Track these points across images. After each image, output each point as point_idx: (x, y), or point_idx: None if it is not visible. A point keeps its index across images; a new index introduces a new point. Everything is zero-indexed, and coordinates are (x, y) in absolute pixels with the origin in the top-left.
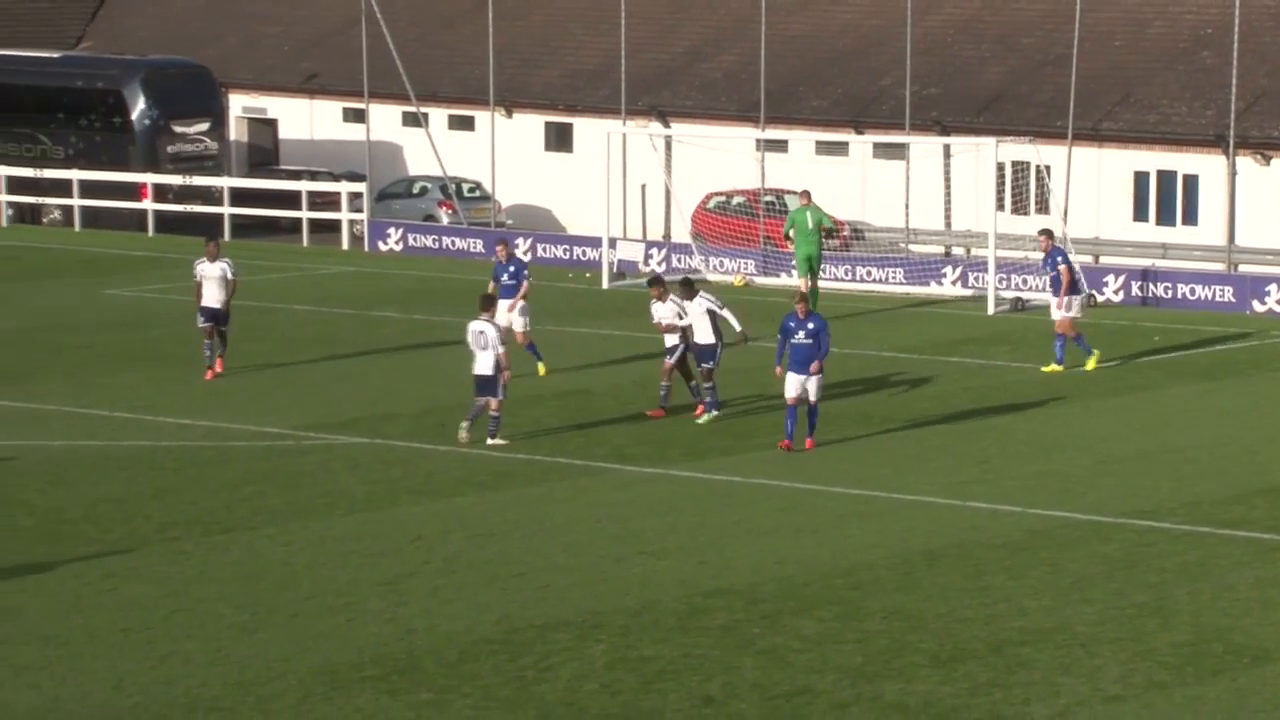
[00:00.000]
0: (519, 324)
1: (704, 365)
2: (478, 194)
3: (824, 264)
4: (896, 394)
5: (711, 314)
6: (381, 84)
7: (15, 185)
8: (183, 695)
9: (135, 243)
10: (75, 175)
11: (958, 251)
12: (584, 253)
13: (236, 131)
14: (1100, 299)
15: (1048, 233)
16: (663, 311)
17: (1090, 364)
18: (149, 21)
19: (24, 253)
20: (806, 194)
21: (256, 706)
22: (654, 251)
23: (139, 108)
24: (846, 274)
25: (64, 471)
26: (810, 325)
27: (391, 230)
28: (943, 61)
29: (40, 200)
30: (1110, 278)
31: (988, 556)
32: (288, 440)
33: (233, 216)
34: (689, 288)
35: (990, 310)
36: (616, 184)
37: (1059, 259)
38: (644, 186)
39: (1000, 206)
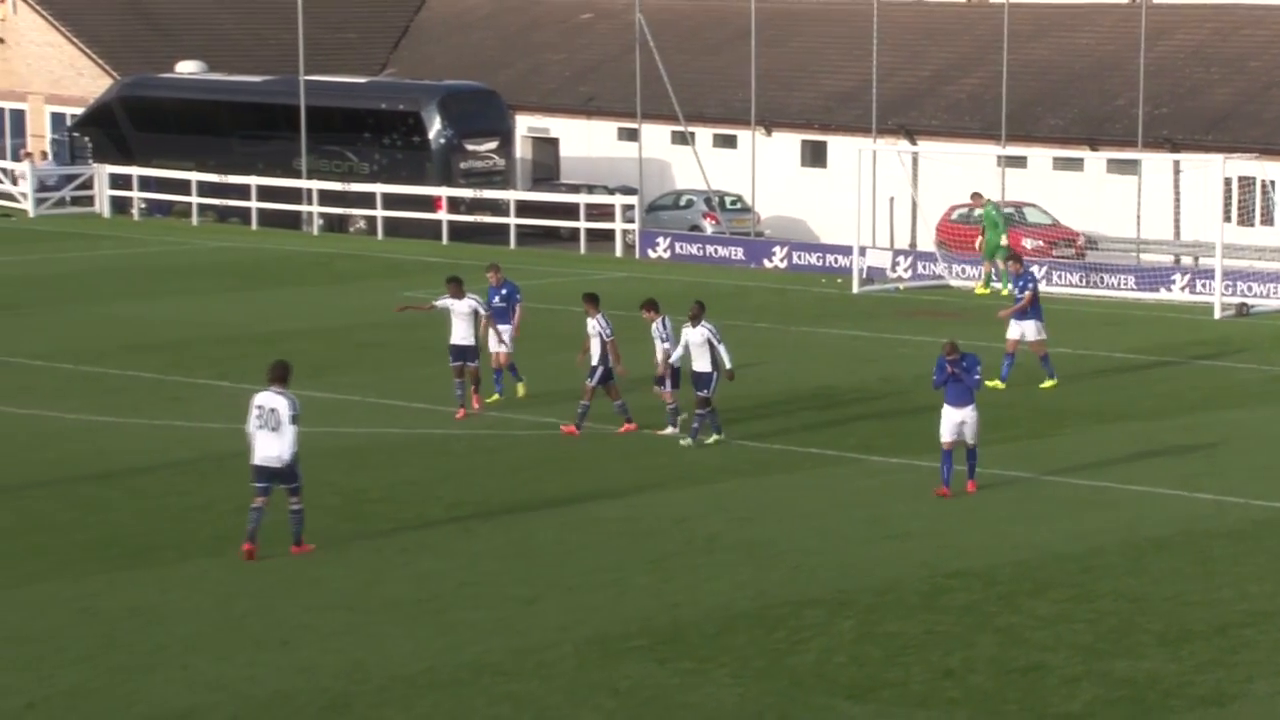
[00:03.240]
0: (504, 347)
1: (700, 393)
2: (739, 206)
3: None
4: (1127, 392)
5: (710, 344)
6: (653, 106)
7: (326, 198)
8: (470, 660)
9: (431, 250)
10: (379, 189)
11: (1186, 260)
12: (836, 260)
13: (522, 149)
14: None
15: (1016, 258)
16: (589, 326)
17: (1047, 384)
18: (446, 50)
19: (333, 259)
20: (978, 195)
21: (536, 671)
22: (900, 259)
23: (436, 128)
24: (1081, 280)
25: (366, 456)
26: (963, 365)
27: (660, 239)
28: (1173, 83)
29: (347, 211)
30: None
31: (1213, 544)
32: None
33: (518, 226)
34: (699, 310)
35: (1216, 315)
36: (867, 197)
37: (1029, 283)
38: (892, 199)
39: (1226, 218)
